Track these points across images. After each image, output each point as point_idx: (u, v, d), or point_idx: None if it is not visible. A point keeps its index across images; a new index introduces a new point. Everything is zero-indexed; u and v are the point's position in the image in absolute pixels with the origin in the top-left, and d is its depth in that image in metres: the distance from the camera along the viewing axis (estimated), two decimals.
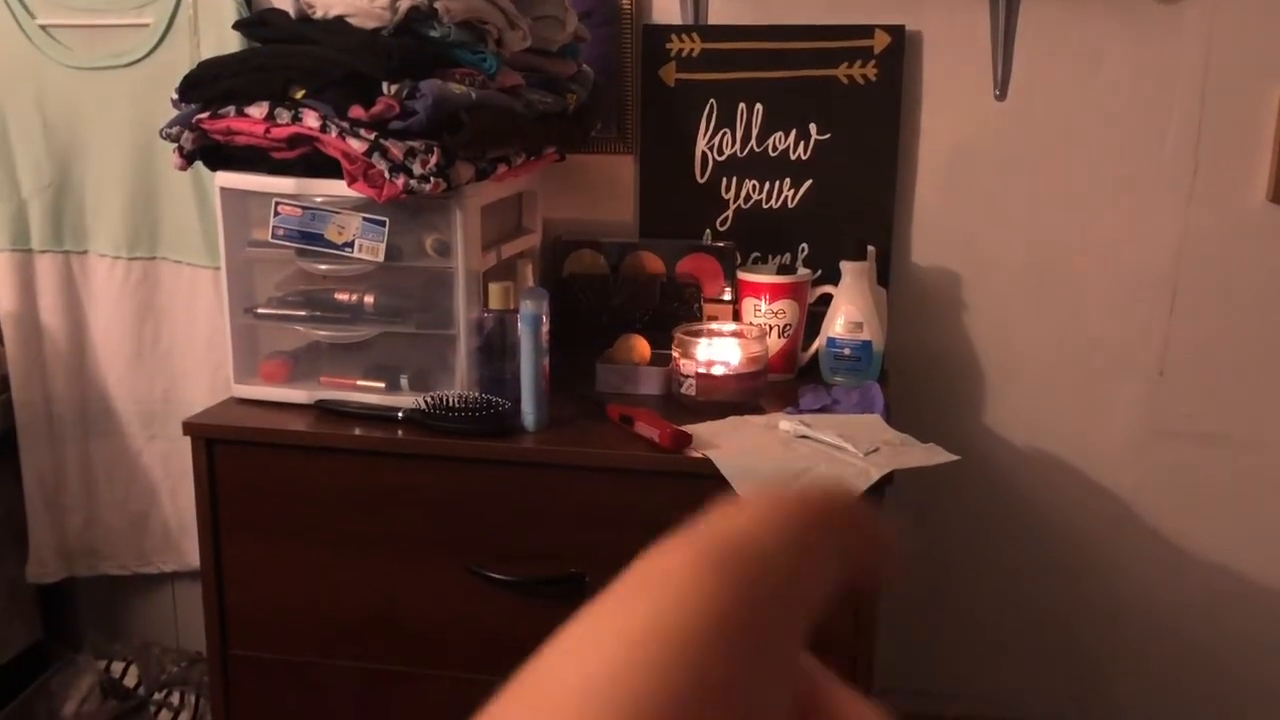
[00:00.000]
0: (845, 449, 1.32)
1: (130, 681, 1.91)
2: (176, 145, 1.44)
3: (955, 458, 1.33)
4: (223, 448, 1.44)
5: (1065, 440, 1.81)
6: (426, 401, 1.39)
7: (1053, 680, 1.91)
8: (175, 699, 1.88)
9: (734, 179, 1.78)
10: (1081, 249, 1.74)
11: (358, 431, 1.41)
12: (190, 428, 1.44)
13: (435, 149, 1.32)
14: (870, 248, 1.67)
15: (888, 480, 1.27)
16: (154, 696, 1.89)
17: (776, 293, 1.63)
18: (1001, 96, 1.70)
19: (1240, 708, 1.86)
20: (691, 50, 1.75)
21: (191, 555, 1.95)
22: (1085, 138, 1.70)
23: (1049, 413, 1.80)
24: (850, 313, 1.61)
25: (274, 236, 1.43)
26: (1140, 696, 1.89)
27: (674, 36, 1.75)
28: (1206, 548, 1.81)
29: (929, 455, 1.34)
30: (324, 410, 1.46)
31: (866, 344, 1.61)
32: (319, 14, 1.37)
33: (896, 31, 1.69)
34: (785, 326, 1.64)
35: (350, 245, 1.41)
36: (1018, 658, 1.91)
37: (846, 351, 1.61)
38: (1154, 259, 1.73)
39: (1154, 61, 1.67)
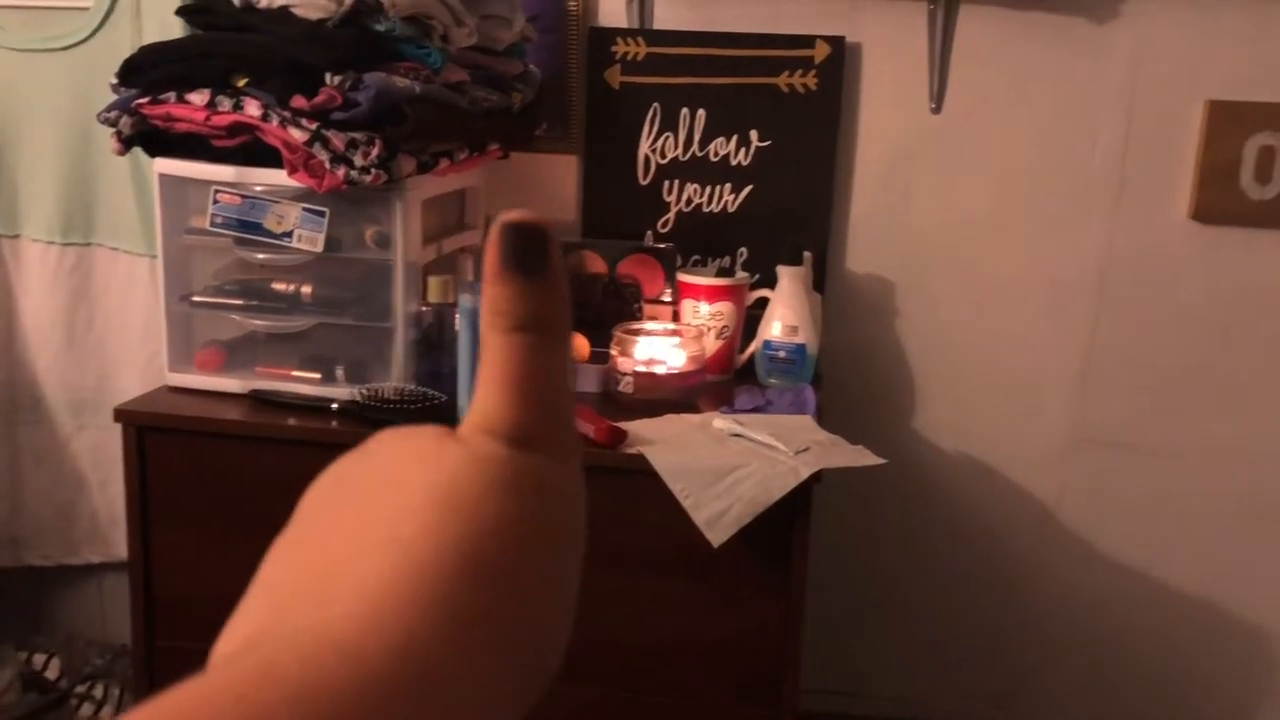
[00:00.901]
0: (776, 448, 1.34)
1: (52, 674, 1.88)
2: (115, 130, 1.43)
3: (883, 461, 1.36)
4: (154, 436, 1.43)
5: (991, 446, 1.86)
6: (362, 393, 1.39)
7: (977, 681, 1.95)
8: (98, 692, 1.85)
9: (676, 182, 1.80)
10: (1010, 260, 1.79)
11: (292, 422, 1.41)
12: (121, 414, 1.43)
13: (377, 141, 1.32)
14: (806, 253, 1.70)
15: (816, 479, 1.30)
16: (75, 689, 1.85)
17: (715, 295, 1.66)
18: (937, 109, 1.75)
19: (1158, 708, 1.91)
20: (636, 54, 1.77)
21: (120, 547, 1.92)
22: (1017, 152, 1.75)
23: (976, 419, 1.85)
24: (786, 316, 1.64)
25: (212, 224, 1.43)
26: (1061, 696, 1.94)
27: (619, 40, 1.77)
28: (1126, 552, 1.87)
29: (857, 456, 1.37)
30: (258, 400, 1.46)
31: (801, 347, 1.63)
32: (263, 3, 1.37)
33: (837, 42, 1.73)
34: (723, 328, 1.66)
35: (289, 235, 1.41)
36: (942, 658, 1.95)
37: (782, 354, 1.64)
38: (1080, 271, 1.78)
39: (1083, 80, 1.72)
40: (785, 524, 1.32)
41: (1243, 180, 1.69)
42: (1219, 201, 1.71)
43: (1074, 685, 1.93)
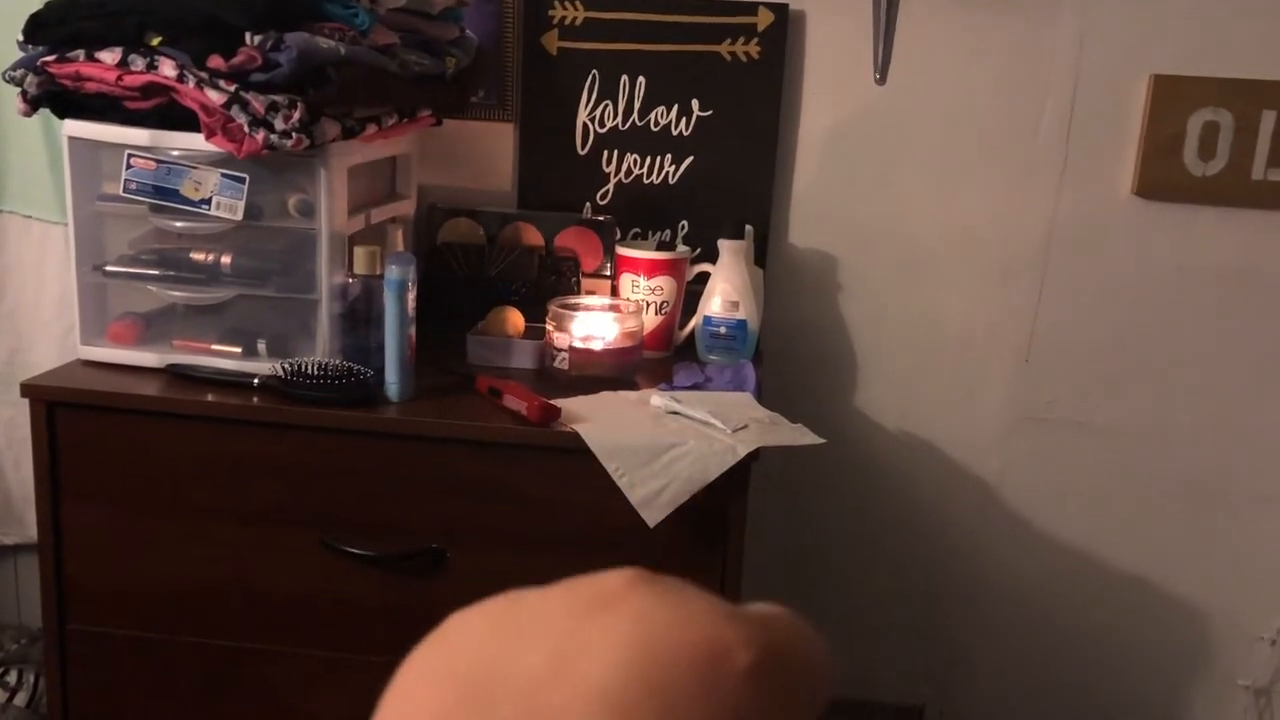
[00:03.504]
0: (714, 425, 1.31)
1: None
2: (20, 90, 1.36)
3: (822, 440, 1.33)
4: (65, 412, 1.36)
5: (933, 424, 1.84)
6: (284, 368, 1.33)
7: (915, 660, 1.94)
8: (12, 678, 1.78)
9: (615, 152, 1.76)
10: (954, 235, 1.77)
11: (210, 398, 1.35)
12: (29, 389, 1.36)
13: (299, 104, 1.26)
14: (748, 227, 1.66)
15: (754, 457, 1.27)
16: None
17: (655, 269, 1.62)
18: (881, 80, 1.71)
19: (1092, 685, 1.92)
20: (574, 18, 1.72)
21: (35, 528, 1.84)
22: (961, 125, 1.73)
23: (918, 396, 1.83)
24: (727, 291, 1.60)
25: (125, 191, 1.36)
26: (996, 676, 1.93)
27: (557, 3, 1.72)
28: (1065, 531, 1.86)
29: (796, 435, 1.34)
30: (176, 374, 1.39)
31: (742, 323, 1.60)
32: None
33: (780, 10, 1.69)
34: (662, 303, 1.62)
35: (207, 202, 1.34)
36: (881, 638, 1.94)
37: (722, 330, 1.61)
38: (1023, 248, 1.76)
39: (1029, 54, 1.70)
40: (722, 503, 1.29)
41: (1186, 156, 1.68)
42: (1162, 177, 1.69)
43: (1012, 664, 1.93)
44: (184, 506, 1.37)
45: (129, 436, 1.37)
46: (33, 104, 1.35)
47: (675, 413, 1.36)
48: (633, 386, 1.48)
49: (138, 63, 1.29)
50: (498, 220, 1.73)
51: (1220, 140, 1.67)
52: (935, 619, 1.92)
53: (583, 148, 1.76)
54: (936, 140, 1.74)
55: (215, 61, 1.26)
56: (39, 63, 1.33)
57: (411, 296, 1.35)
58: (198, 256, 1.40)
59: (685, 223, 1.76)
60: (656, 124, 1.74)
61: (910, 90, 1.72)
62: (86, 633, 1.42)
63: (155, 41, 1.30)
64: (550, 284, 1.68)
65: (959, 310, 1.79)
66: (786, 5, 1.69)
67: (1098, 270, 1.76)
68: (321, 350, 1.39)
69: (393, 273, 1.33)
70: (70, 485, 1.38)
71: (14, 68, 1.35)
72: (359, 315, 1.39)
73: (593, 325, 1.50)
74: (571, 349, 1.48)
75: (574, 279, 1.69)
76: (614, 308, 1.56)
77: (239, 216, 1.34)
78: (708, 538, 1.32)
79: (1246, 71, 1.66)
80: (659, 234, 1.77)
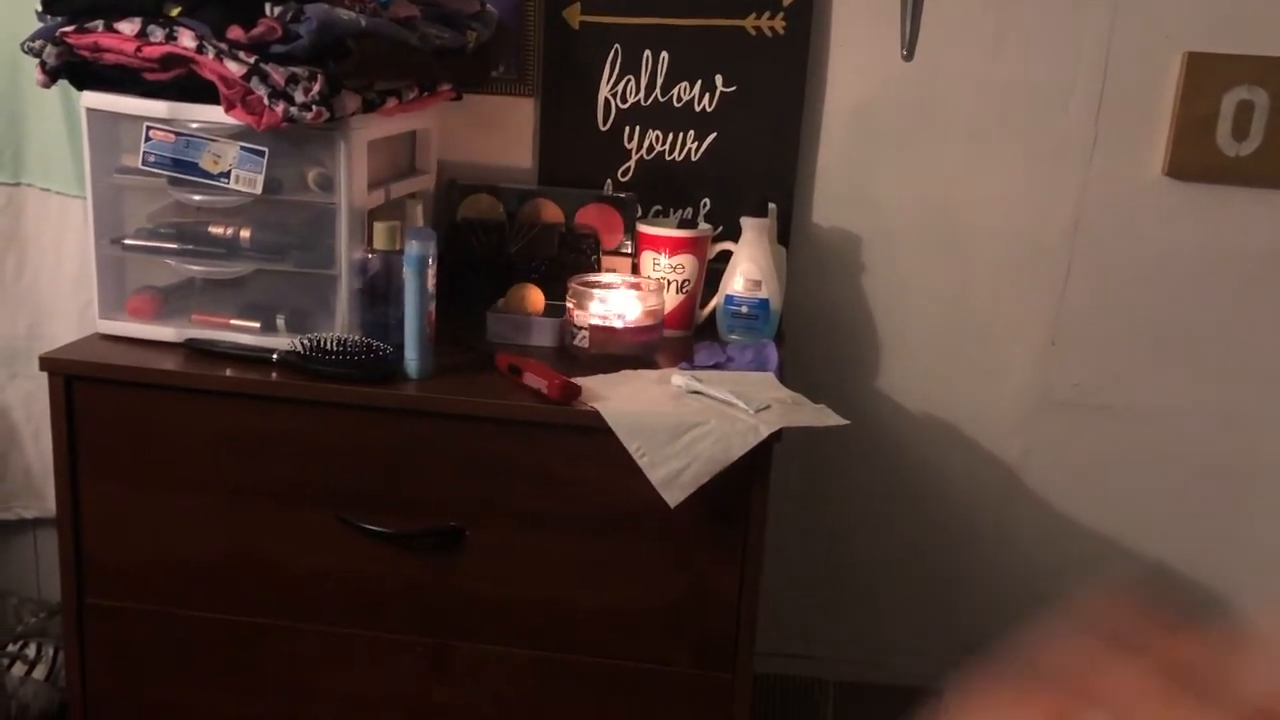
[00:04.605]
0: (736, 405, 1.29)
1: None
2: (39, 60, 1.35)
3: (845, 422, 1.32)
4: (83, 386, 1.36)
5: (956, 406, 1.82)
6: (303, 343, 1.32)
7: (936, 644, 1.93)
8: (31, 651, 1.78)
9: (637, 128, 1.73)
10: (980, 216, 1.74)
11: (229, 373, 1.34)
12: (48, 363, 1.35)
13: (319, 76, 1.25)
14: (771, 205, 1.64)
15: (776, 438, 1.25)
16: (8, 648, 1.79)
17: (676, 247, 1.60)
18: (909, 57, 1.69)
19: None
20: None
21: (54, 501, 1.85)
22: (989, 103, 1.70)
23: (941, 378, 1.81)
24: (749, 270, 1.58)
25: (144, 163, 1.35)
26: None
27: None
28: (1089, 515, 1.84)
29: (819, 416, 1.32)
30: (194, 349, 1.39)
31: (764, 302, 1.58)
32: None
33: None
34: (684, 282, 1.61)
35: (226, 176, 1.33)
36: (901, 622, 1.92)
37: (744, 309, 1.59)
38: (1050, 228, 1.73)
39: (1059, 31, 1.66)
40: (743, 484, 1.28)
41: (1219, 136, 1.65)
42: (1195, 158, 1.66)
43: None
44: (201, 481, 1.36)
45: (147, 411, 1.36)
46: (51, 75, 1.34)
47: (697, 392, 1.34)
48: (653, 365, 1.46)
49: (156, 33, 1.28)
50: (518, 196, 1.71)
51: (1255, 120, 1.63)
52: (957, 602, 1.91)
53: (604, 123, 1.74)
54: (964, 119, 1.71)
55: (235, 32, 1.25)
56: (58, 33, 1.32)
57: (431, 273, 1.34)
58: (216, 230, 1.39)
59: (707, 200, 1.74)
60: (679, 100, 1.72)
61: (937, 67, 1.69)
62: (104, 607, 1.42)
63: (174, 12, 1.29)
64: (571, 261, 1.66)
65: (985, 291, 1.77)
66: None
67: (1126, 252, 1.73)
68: (341, 326, 1.38)
69: (413, 248, 1.32)
70: (88, 459, 1.38)
71: (33, 38, 1.34)
72: (378, 291, 1.38)
73: (613, 303, 1.48)
74: (592, 327, 1.46)
75: (594, 256, 1.68)
76: (635, 286, 1.54)
77: (258, 190, 1.33)
78: (729, 518, 1.30)
79: None
80: (681, 211, 1.75)
